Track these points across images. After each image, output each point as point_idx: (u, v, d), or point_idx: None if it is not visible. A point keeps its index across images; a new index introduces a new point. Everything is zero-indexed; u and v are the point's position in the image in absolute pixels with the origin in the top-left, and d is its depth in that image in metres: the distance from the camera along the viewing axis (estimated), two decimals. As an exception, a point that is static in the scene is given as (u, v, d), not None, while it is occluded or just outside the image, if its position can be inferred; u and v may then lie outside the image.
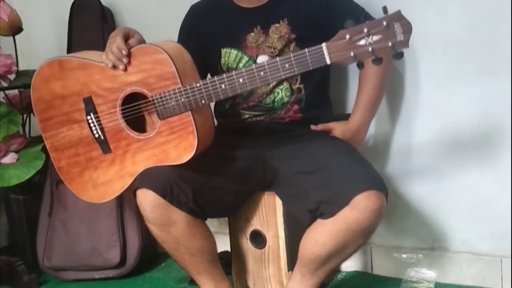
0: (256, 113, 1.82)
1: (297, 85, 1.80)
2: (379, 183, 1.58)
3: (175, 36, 1.93)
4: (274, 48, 1.77)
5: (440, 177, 1.93)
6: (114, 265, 2.19)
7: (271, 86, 1.79)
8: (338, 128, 1.78)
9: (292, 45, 1.76)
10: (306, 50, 1.43)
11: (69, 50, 2.34)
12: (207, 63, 1.86)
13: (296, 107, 1.81)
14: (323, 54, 1.41)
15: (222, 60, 1.83)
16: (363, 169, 1.63)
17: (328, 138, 1.77)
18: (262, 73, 1.49)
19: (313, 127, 1.79)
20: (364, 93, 1.79)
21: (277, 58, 1.47)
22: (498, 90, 1.79)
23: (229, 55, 1.81)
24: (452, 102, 1.87)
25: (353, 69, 1.97)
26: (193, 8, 1.92)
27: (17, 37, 2.30)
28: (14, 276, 2.19)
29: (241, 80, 1.51)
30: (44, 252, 2.25)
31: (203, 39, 1.86)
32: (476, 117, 1.84)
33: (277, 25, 1.78)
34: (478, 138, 1.85)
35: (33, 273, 2.21)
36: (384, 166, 2.00)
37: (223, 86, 1.53)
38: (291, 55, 1.45)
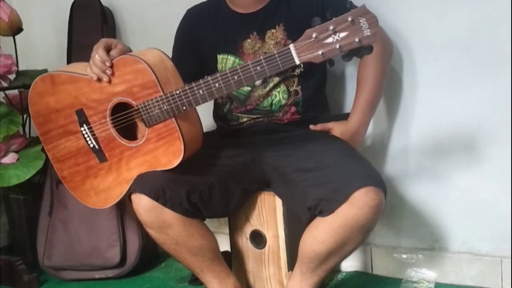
0: (254, 116, 1.83)
1: (294, 87, 1.81)
2: (377, 180, 1.58)
3: (174, 36, 1.93)
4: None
5: (440, 178, 1.93)
6: (114, 265, 2.19)
7: (268, 88, 1.80)
8: (337, 129, 1.78)
9: None
10: (275, 52, 1.46)
11: (69, 50, 2.34)
12: (204, 68, 1.87)
13: (293, 109, 1.82)
14: (291, 54, 1.43)
15: (219, 66, 1.83)
16: (361, 166, 1.64)
17: (327, 137, 1.78)
18: (236, 77, 1.51)
19: (312, 126, 1.80)
20: (363, 95, 1.80)
21: (249, 62, 1.49)
22: (497, 91, 1.79)
23: (226, 61, 1.82)
24: (451, 103, 1.87)
25: (350, 70, 1.97)
26: (189, 13, 1.92)
27: (17, 37, 2.30)
28: (15, 276, 2.20)
29: (217, 85, 1.54)
30: (44, 252, 2.25)
31: (199, 44, 1.87)
32: (476, 118, 1.83)
33: (273, 30, 1.78)
34: (478, 139, 1.84)
35: (33, 273, 2.22)
36: (383, 167, 2.00)
37: (201, 91, 1.56)
38: (262, 57, 1.47)
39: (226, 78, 1.53)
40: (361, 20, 1.36)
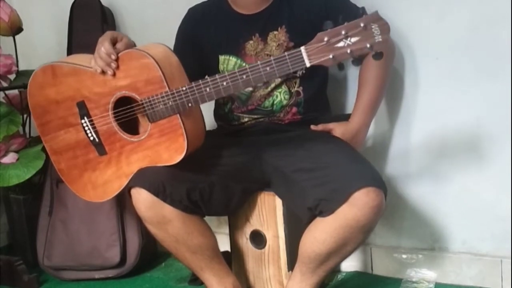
0: (255, 116, 1.83)
1: (295, 88, 1.81)
2: (378, 180, 1.58)
3: (174, 36, 1.93)
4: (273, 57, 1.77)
5: (440, 178, 1.93)
6: (114, 265, 2.19)
7: (269, 89, 1.80)
8: (338, 129, 1.78)
9: None
10: (286, 53, 1.45)
11: (69, 50, 2.34)
12: (205, 68, 1.87)
13: (294, 109, 1.82)
14: (302, 57, 1.43)
15: (221, 67, 1.83)
16: (361, 166, 1.64)
17: (327, 137, 1.78)
18: (244, 76, 1.51)
19: (313, 127, 1.80)
20: (364, 96, 1.80)
21: (259, 62, 1.49)
22: (497, 91, 1.79)
23: (228, 62, 1.82)
24: (451, 103, 1.87)
25: (351, 71, 1.97)
26: (191, 12, 1.92)
27: (17, 37, 2.30)
28: (14, 276, 2.20)
29: (224, 83, 1.53)
30: (44, 252, 2.25)
31: (200, 44, 1.86)
32: (476, 118, 1.84)
33: (275, 32, 1.78)
34: (478, 139, 1.85)
35: (33, 273, 2.22)
36: (384, 167, 2.00)
37: (208, 89, 1.55)
38: (272, 58, 1.47)
39: (234, 77, 1.52)
40: (373, 26, 1.36)
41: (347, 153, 1.70)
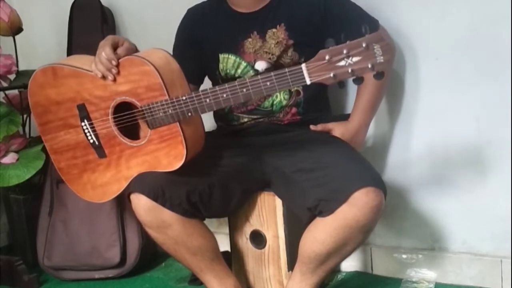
0: (255, 116, 1.83)
1: (296, 88, 1.80)
2: (377, 180, 1.58)
3: (174, 36, 1.93)
4: (272, 54, 1.78)
5: (440, 178, 1.93)
6: (114, 265, 2.19)
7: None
8: (337, 129, 1.79)
9: (290, 51, 1.77)
10: (286, 69, 1.44)
11: (69, 50, 2.34)
12: (205, 68, 1.87)
13: (294, 110, 1.82)
14: (303, 74, 1.42)
15: (220, 66, 1.83)
16: (361, 166, 1.64)
17: (327, 137, 1.78)
18: (244, 89, 1.51)
19: (312, 127, 1.80)
20: (364, 96, 1.80)
21: (259, 76, 1.49)
22: (497, 92, 1.79)
23: (227, 60, 1.82)
24: (452, 104, 1.87)
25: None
26: (190, 13, 1.92)
27: (17, 37, 2.30)
28: (14, 276, 2.20)
29: (224, 95, 1.53)
30: (44, 252, 2.25)
31: (200, 44, 1.87)
32: (476, 118, 1.84)
33: (274, 30, 1.78)
34: (478, 140, 1.84)
35: (33, 273, 2.22)
36: (384, 167, 2.00)
37: (207, 100, 1.55)
38: (272, 74, 1.46)
39: (234, 90, 1.52)
40: (375, 47, 1.35)
41: (346, 153, 1.70)
